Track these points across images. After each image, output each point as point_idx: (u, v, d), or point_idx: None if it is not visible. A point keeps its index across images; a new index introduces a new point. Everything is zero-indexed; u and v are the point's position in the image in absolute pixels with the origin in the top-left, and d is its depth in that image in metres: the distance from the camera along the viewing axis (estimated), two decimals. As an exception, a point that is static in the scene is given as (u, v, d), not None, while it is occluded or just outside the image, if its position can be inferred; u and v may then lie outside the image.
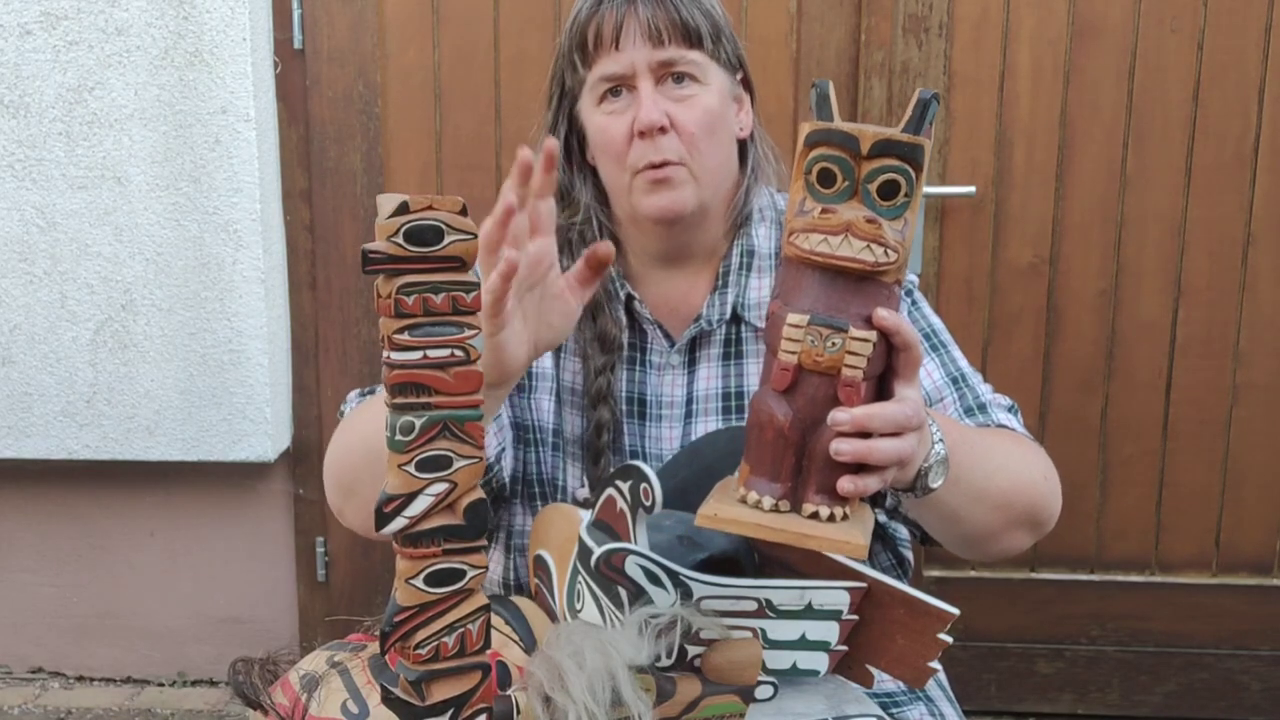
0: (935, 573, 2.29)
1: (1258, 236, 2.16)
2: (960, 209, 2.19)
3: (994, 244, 2.20)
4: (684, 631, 0.85)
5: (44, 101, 2.19)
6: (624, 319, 1.22)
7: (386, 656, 0.78)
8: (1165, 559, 2.28)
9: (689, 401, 1.21)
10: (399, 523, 0.74)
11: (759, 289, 1.21)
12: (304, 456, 2.39)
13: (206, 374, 2.27)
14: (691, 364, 1.22)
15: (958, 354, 1.23)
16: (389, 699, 0.78)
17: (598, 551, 0.89)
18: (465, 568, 0.76)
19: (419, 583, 0.75)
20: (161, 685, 2.50)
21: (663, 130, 1.13)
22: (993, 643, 2.32)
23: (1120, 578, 2.29)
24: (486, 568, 0.78)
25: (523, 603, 1.05)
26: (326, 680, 0.93)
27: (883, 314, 0.82)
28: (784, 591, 0.89)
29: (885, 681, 1.13)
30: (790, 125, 2.16)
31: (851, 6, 2.17)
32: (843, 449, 0.81)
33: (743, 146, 1.23)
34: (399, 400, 0.73)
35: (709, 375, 1.21)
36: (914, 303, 1.24)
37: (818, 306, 0.82)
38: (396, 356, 0.72)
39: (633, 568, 0.87)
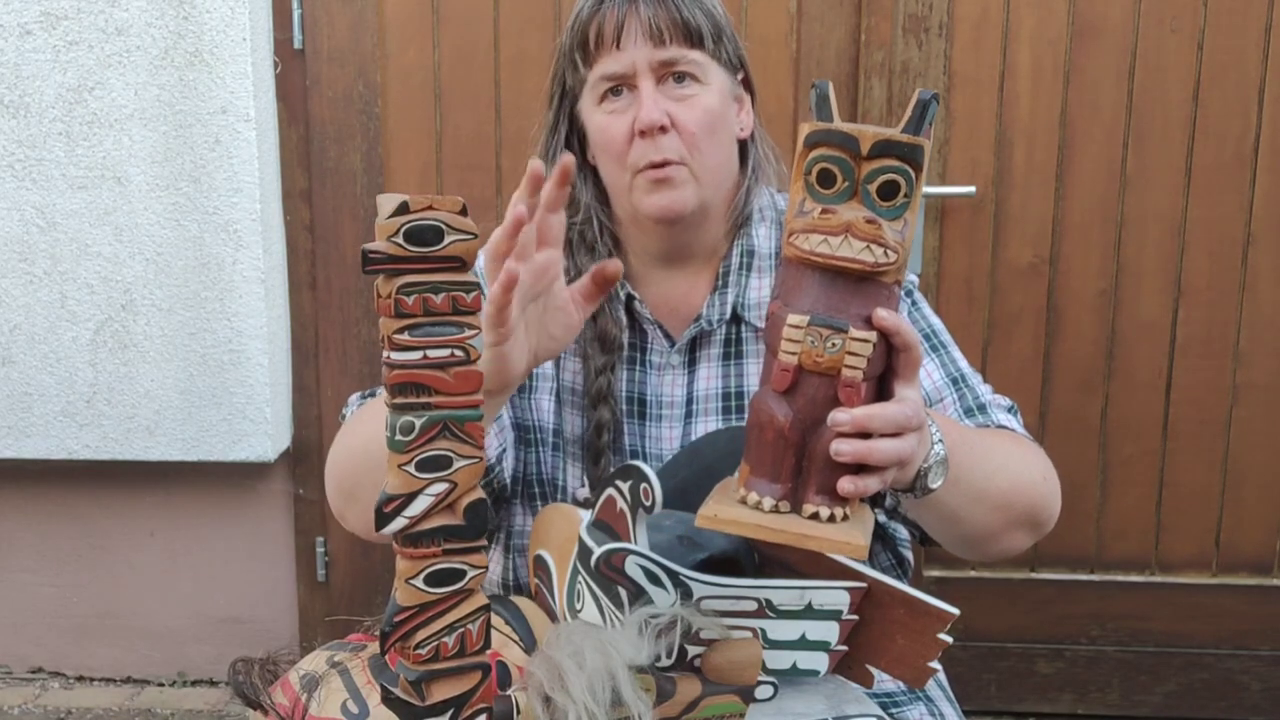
0: (935, 573, 2.29)
1: (1258, 236, 2.16)
2: (960, 209, 2.19)
3: (994, 244, 2.20)
4: (684, 631, 0.85)
5: (44, 101, 2.19)
6: (624, 319, 1.22)
7: (386, 656, 0.78)
8: (1165, 559, 2.28)
9: (689, 401, 1.21)
10: (399, 523, 0.74)
11: (759, 289, 1.21)
12: (304, 456, 2.40)
13: (206, 374, 2.27)
14: (692, 364, 1.22)
15: (958, 354, 1.23)
16: (389, 699, 0.78)
17: (598, 551, 0.89)
18: (465, 568, 0.76)
19: (419, 583, 0.75)
20: (161, 685, 2.50)
21: (663, 129, 1.12)
22: (993, 643, 2.32)
23: (1120, 578, 2.29)
24: (486, 568, 0.78)
25: (523, 603, 1.05)
26: (326, 680, 0.93)
27: (883, 314, 0.82)
28: (784, 591, 0.89)
29: (885, 681, 1.13)
30: (790, 125, 2.16)
31: (851, 6, 2.17)
32: (843, 449, 0.81)
33: (743, 147, 1.23)
34: (399, 400, 0.73)
35: (709, 375, 1.21)
36: (914, 303, 1.24)
37: (818, 307, 0.82)
38: (396, 356, 0.72)
39: (633, 568, 0.87)
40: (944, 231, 2.20)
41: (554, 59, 1.22)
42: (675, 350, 1.22)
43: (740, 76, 1.22)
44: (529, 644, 0.99)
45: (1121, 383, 2.22)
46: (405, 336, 0.72)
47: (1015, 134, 2.16)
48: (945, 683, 1.26)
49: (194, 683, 2.51)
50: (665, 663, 0.85)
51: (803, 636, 0.90)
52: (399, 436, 0.73)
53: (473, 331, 0.74)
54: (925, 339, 1.21)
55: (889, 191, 0.81)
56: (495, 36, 2.23)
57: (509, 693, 0.83)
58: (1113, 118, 2.14)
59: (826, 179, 0.82)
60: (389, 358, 0.72)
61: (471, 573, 0.76)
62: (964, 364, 1.22)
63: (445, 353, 0.73)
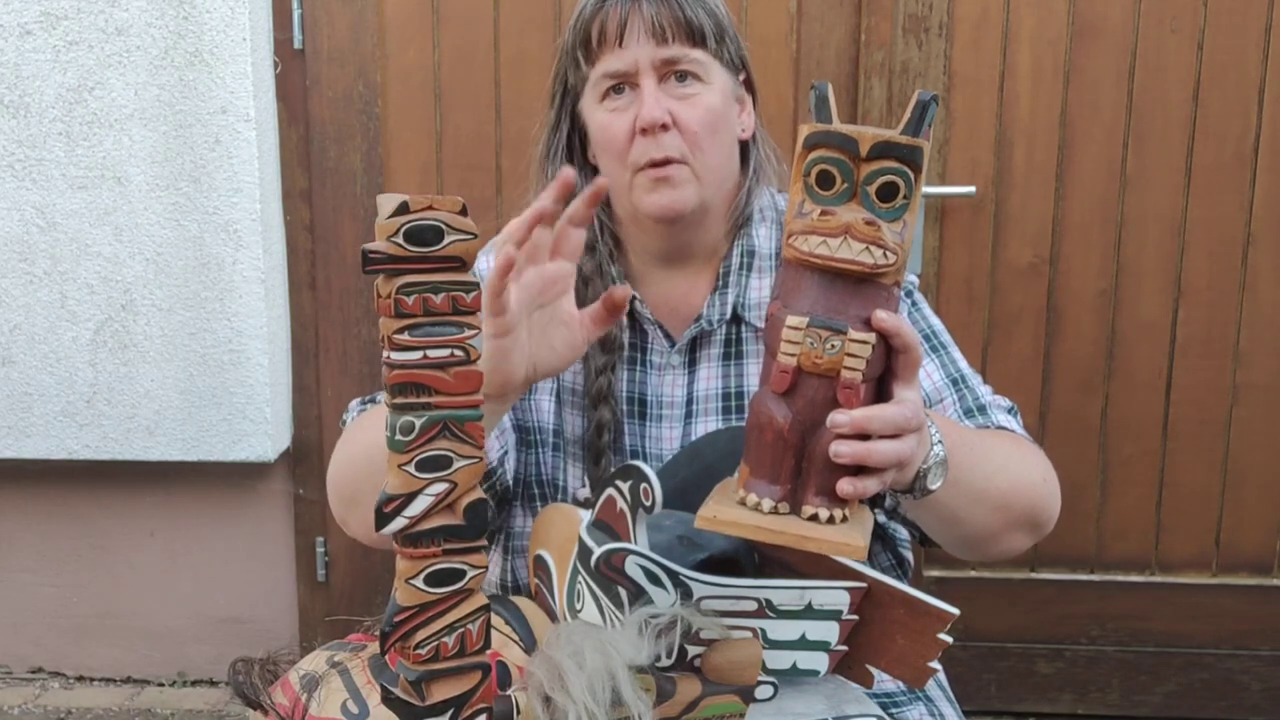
0: (935, 573, 2.29)
1: (1258, 236, 2.16)
2: (960, 209, 2.19)
3: (994, 244, 2.20)
4: (684, 631, 0.85)
5: (44, 101, 2.19)
6: (624, 319, 1.22)
7: (386, 656, 0.78)
8: (1165, 559, 2.28)
9: (689, 401, 1.21)
10: (399, 523, 0.74)
11: (759, 289, 1.21)
12: (304, 456, 2.40)
13: (206, 374, 2.27)
14: (692, 364, 1.22)
15: (957, 355, 1.23)
16: (389, 699, 0.78)
17: (598, 551, 0.89)
18: (465, 568, 0.76)
19: (419, 583, 0.75)
20: (161, 685, 2.50)
21: (665, 128, 1.12)
22: (993, 643, 2.32)
23: (1120, 578, 2.29)
24: (486, 568, 0.78)
25: (523, 603, 1.05)
26: (326, 680, 0.93)
27: (882, 316, 0.82)
28: (784, 591, 0.89)
29: (885, 681, 1.13)
30: (790, 125, 2.16)
31: (851, 6, 2.17)
32: (842, 451, 0.81)
33: (744, 147, 1.23)
34: (399, 400, 0.73)
35: (709, 375, 1.21)
36: (914, 304, 1.24)
37: (817, 308, 0.82)
38: (396, 356, 0.72)
39: (633, 568, 0.87)
40: (944, 231, 2.20)
41: (556, 57, 1.22)
42: (675, 350, 1.22)
43: (742, 77, 1.22)
44: (529, 644, 0.99)
45: (1121, 383, 2.22)
46: (405, 336, 0.72)
47: (1015, 134, 2.16)
48: (945, 683, 1.26)
49: (194, 683, 2.51)
50: (665, 663, 0.85)
51: (803, 636, 0.90)
52: (399, 436, 0.73)
53: (473, 331, 0.74)
54: (925, 339, 1.21)
55: (888, 193, 0.81)
56: (495, 36, 2.23)
57: (509, 693, 0.83)
58: (1113, 118, 2.14)
59: (826, 180, 0.82)
60: (389, 358, 0.73)
61: (471, 573, 0.76)
62: (964, 365, 1.22)
63: (445, 353, 0.73)
